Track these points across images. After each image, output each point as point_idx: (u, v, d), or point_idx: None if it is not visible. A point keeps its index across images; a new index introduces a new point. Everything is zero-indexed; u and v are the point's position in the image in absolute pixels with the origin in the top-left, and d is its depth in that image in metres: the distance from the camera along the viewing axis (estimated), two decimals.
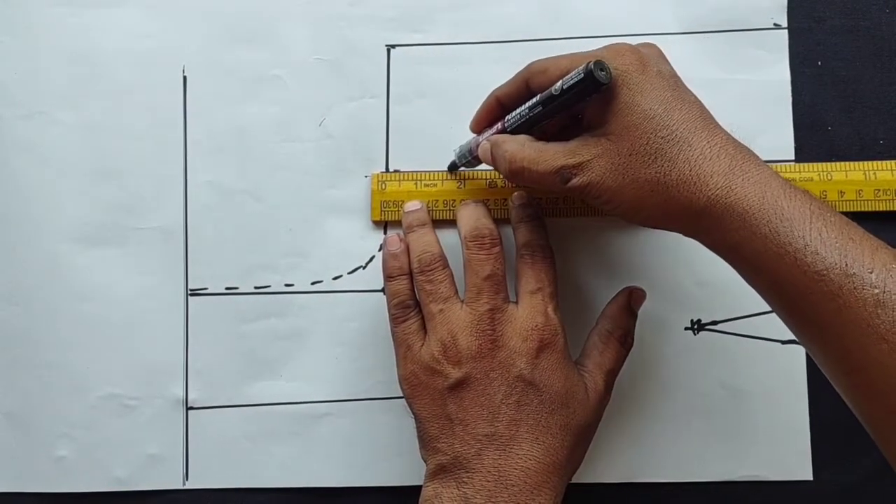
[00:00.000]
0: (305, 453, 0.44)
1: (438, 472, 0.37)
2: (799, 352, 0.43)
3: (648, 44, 0.37)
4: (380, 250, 0.44)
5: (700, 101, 0.35)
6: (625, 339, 0.40)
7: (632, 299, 0.41)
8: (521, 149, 0.37)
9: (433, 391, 0.37)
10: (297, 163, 0.45)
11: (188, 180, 0.45)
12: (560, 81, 0.36)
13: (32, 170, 0.45)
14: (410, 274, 0.40)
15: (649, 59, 0.35)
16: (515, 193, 0.42)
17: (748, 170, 0.33)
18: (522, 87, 0.39)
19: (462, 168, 0.43)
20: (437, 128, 0.45)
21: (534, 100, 0.37)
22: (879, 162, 0.43)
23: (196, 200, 0.45)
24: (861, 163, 0.43)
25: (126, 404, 0.44)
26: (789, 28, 0.45)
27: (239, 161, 0.45)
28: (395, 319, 0.39)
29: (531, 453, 0.36)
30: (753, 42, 0.45)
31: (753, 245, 0.32)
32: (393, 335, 0.40)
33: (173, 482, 0.44)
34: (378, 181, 0.44)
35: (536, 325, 0.37)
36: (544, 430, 0.36)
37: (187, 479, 0.44)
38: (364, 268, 0.45)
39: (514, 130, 0.39)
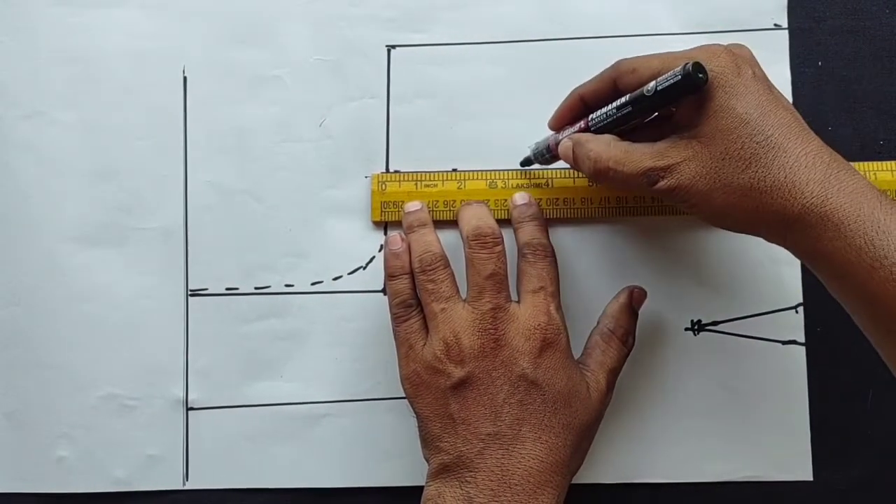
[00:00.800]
0: (305, 453, 0.44)
1: (441, 472, 0.37)
2: (799, 352, 0.43)
3: (739, 45, 0.36)
4: (380, 250, 0.44)
5: (792, 107, 0.35)
6: (626, 339, 0.40)
7: (633, 299, 0.41)
8: (607, 149, 0.36)
9: (436, 390, 0.37)
10: (297, 163, 0.45)
11: (188, 180, 0.45)
12: (653, 82, 0.35)
13: (32, 170, 0.45)
14: (412, 273, 0.40)
15: (743, 61, 0.35)
16: (516, 194, 0.42)
17: (843, 179, 0.33)
18: (608, 86, 0.38)
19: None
20: (437, 128, 0.45)
21: (622, 100, 0.37)
22: (879, 162, 0.43)
23: (196, 200, 0.45)
24: (861, 163, 0.43)
25: (126, 404, 0.44)
26: (789, 28, 0.45)
27: (239, 161, 0.45)
28: (397, 319, 0.39)
29: (534, 452, 0.36)
30: (753, 42, 0.44)
31: (847, 255, 0.32)
32: (395, 334, 0.40)
33: (173, 482, 0.44)
34: (378, 181, 0.44)
35: (539, 325, 0.37)
36: (547, 430, 0.36)
37: (187, 479, 0.44)
38: (364, 268, 0.45)
39: (598, 130, 0.38)
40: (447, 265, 0.40)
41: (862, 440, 0.43)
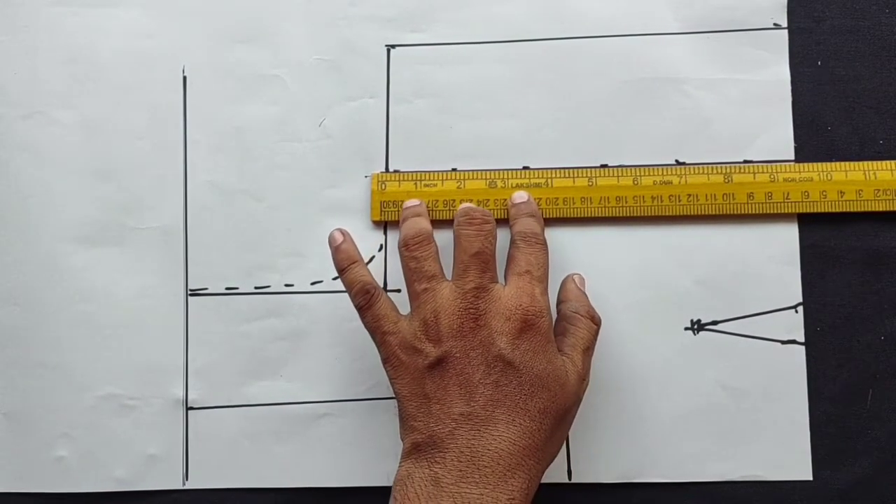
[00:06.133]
0: (305, 453, 0.44)
1: (413, 451, 0.36)
2: (799, 352, 0.43)
3: None
4: (380, 250, 0.44)
5: None
6: (592, 315, 0.40)
7: (578, 282, 0.41)
8: None
9: (413, 370, 0.37)
10: (297, 163, 0.45)
11: (188, 180, 0.45)
12: None
13: (32, 170, 0.45)
14: (361, 261, 0.40)
15: None
16: (515, 192, 0.42)
17: None
18: None
19: None
20: (437, 128, 0.45)
21: None
22: (879, 162, 0.43)
23: (196, 200, 0.45)
24: (861, 163, 0.43)
25: (126, 404, 0.44)
26: (789, 28, 0.45)
27: (239, 161, 0.45)
28: (361, 308, 0.39)
29: (506, 435, 0.35)
30: (753, 42, 0.45)
31: None
32: (365, 326, 0.39)
33: (173, 482, 0.44)
34: (378, 181, 0.44)
35: (521, 305, 0.37)
36: (522, 413, 0.36)
37: (187, 479, 0.44)
38: None
39: None
40: (432, 241, 0.39)
41: (862, 440, 0.43)
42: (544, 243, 0.40)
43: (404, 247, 0.39)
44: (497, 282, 0.38)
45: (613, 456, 0.43)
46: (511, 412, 0.36)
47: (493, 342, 0.36)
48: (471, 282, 0.37)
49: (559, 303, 0.41)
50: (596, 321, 0.40)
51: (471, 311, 0.37)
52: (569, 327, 0.39)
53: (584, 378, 0.38)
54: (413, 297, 0.38)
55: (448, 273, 0.39)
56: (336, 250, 0.40)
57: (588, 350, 0.39)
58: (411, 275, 0.38)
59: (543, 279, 0.39)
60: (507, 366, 0.36)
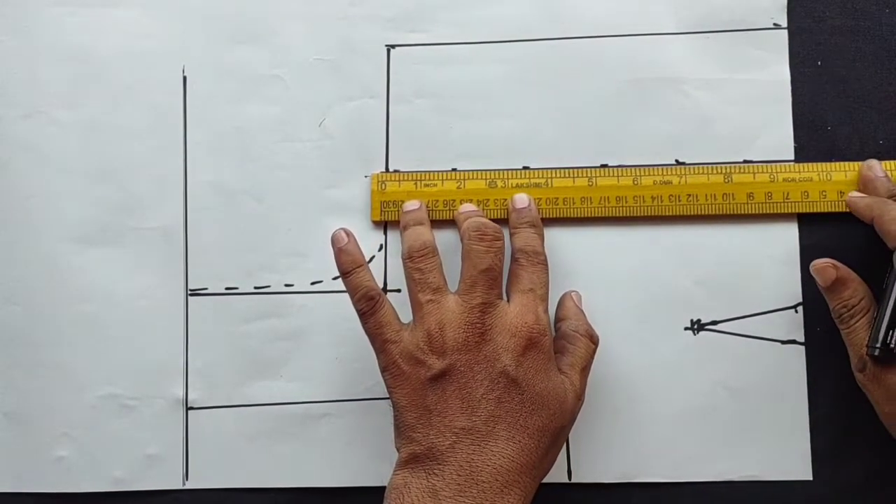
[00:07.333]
0: (305, 453, 0.44)
1: (410, 462, 0.36)
2: (799, 352, 0.43)
3: None
4: (380, 250, 0.44)
5: None
6: (591, 335, 0.40)
7: (576, 300, 0.42)
8: None
9: (415, 381, 0.37)
10: (297, 163, 0.45)
11: (188, 180, 0.45)
12: None
13: (32, 170, 0.45)
14: (366, 265, 0.39)
15: None
16: (516, 195, 0.42)
17: None
18: None
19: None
20: (437, 128, 0.45)
21: None
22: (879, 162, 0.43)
23: (196, 200, 0.45)
24: (861, 163, 0.43)
25: (126, 404, 0.44)
26: (789, 28, 0.45)
27: (239, 161, 0.45)
28: (364, 314, 0.39)
29: (505, 451, 0.36)
30: (753, 42, 0.45)
31: None
32: (365, 331, 0.39)
33: (173, 482, 0.44)
34: (378, 181, 0.44)
35: (526, 323, 0.37)
36: (521, 430, 0.36)
37: (187, 479, 0.44)
38: None
39: None
40: (436, 254, 0.39)
41: (862, 440, 0.43)
42: (545, 262, 0.40)
43: (409, 258, 0.39)
44: (502, 298, 0.39)
45: (613, 456, 0.43)
46: (511, 429, 0.36)
47: (497, 358, 0.37)
48: (478, 297, 0.37)
49: (558, 320, 0.41)
50: (594, 340, 0.40)
51: (477, 325, 0.37)
52: (568, 346, 0.40)
53: (580, 398, 0.39)
54: (416, 307, 0.38)
55: (451, 284, 0.39)
56: (340, 251, 0.40)
57: (585, 370, 0.39)
58: (415, 285, 0.38)
59: (545, 298, 0.39)
60: (511, 382, 0.36)
